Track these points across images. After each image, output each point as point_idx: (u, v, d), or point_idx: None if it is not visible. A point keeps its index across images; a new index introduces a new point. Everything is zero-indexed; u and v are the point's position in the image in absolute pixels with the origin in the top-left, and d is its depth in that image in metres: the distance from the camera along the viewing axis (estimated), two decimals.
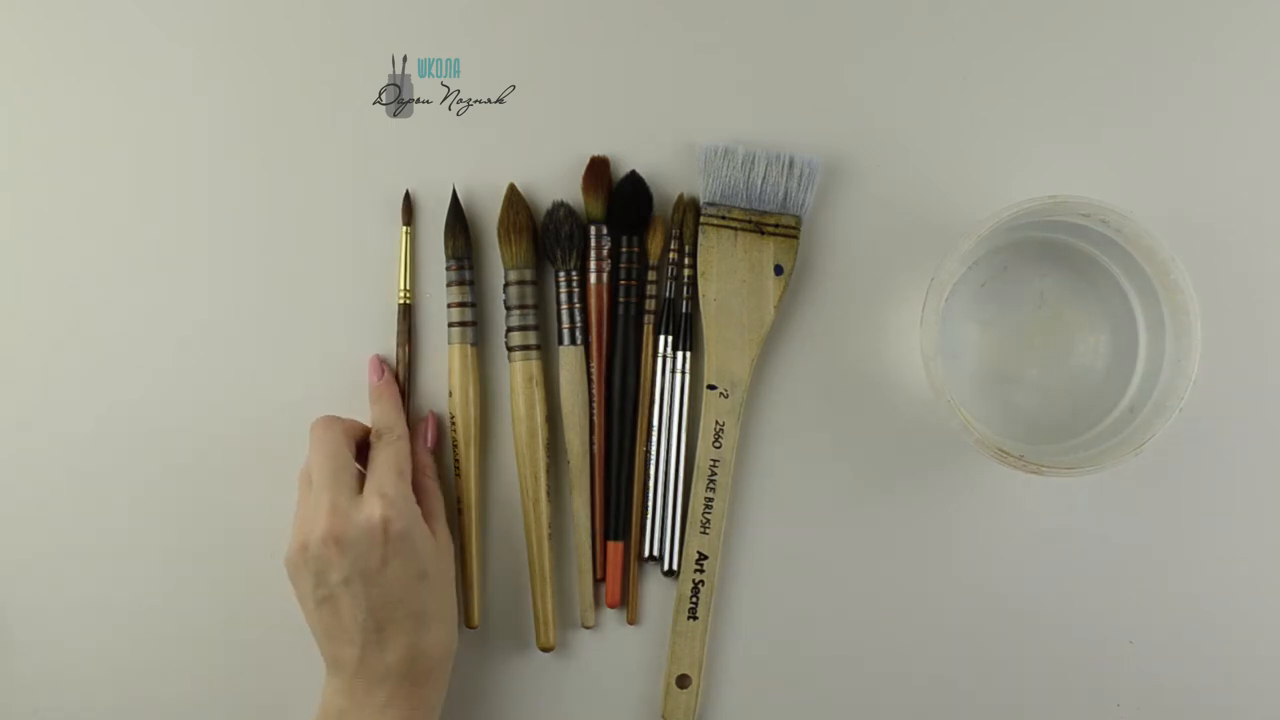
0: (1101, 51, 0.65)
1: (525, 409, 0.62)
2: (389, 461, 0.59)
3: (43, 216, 0.65)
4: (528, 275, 0.63)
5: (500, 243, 0.63)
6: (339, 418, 0.60)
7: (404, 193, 0.64)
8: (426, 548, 0.57)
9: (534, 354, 0.63)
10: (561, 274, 0.63)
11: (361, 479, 0.59)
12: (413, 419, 0.64)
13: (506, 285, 0.63)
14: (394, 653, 0.55)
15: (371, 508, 0.56)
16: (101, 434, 0.64)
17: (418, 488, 0.60)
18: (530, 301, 0.63)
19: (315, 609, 0.56)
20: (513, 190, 0.63)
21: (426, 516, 0.59)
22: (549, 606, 0.62)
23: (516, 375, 0.62)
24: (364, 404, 0.64)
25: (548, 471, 0.63)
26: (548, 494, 0.62)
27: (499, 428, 0.64)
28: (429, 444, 0.62)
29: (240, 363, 0.64)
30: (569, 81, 0.65)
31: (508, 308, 0.63)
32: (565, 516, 0.64)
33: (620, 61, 0.65)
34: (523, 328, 0.63)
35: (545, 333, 0.64)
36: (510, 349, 0.63)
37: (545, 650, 0.63)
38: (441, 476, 0.63)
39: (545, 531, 0.62)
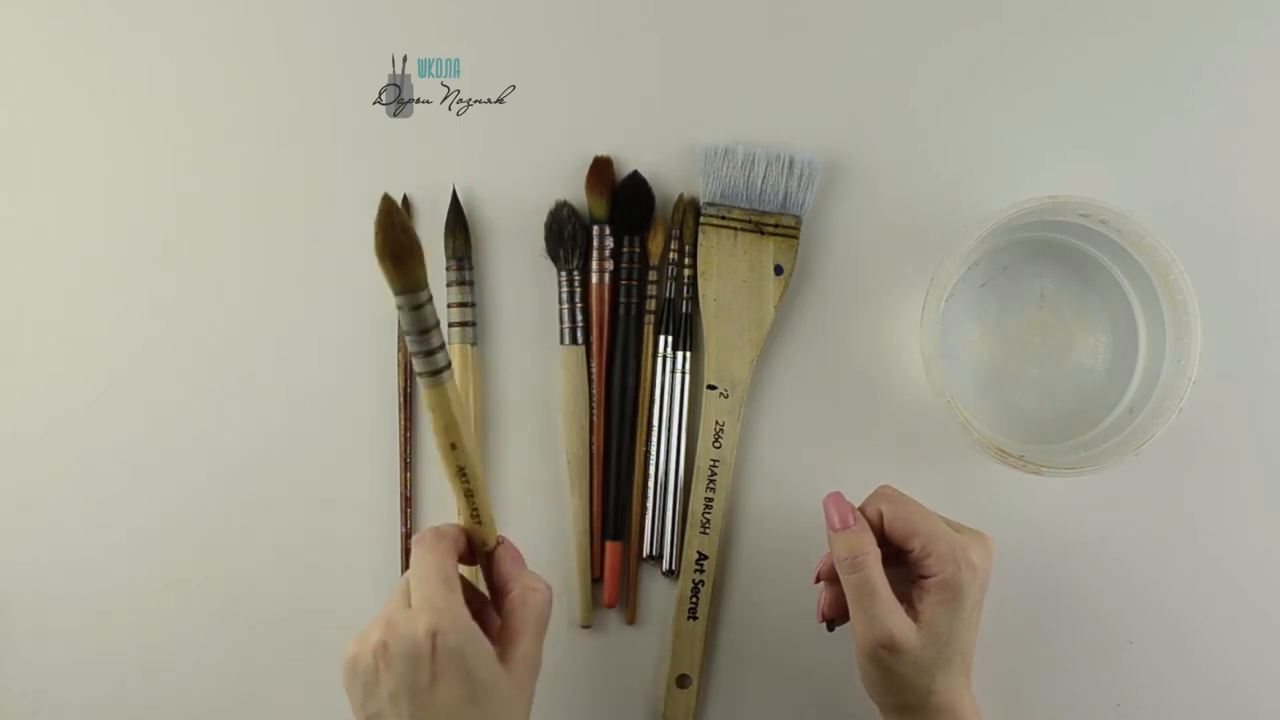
0: (1102, 52, 0.65)
1: (445, 437, 0.52)
2: (431, 568, 0.51)
3: (43, 217, 0.65)
4: (422, 297, 0.50)
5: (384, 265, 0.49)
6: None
7: (402, 197, 0.64)
8: (484, 670, 0.50)
9: (448, 374, 0.51)
10: (563, 274, 0.63)
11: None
12: (413, 420, 0.64)
13: (400, 309, 0.50)
14: None
15: (417, 621, 0.49)
16: (101, 434, 0.64)
17: (509, 604, 0.53)
18: (431, 323, 0.50)
19: None
20: (389, 204, 0.48)
21: (508, 632, 0.52)
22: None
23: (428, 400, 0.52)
24: (364, 409, 0.64)
25: (468, 495, 0.54)
26: (475, 518, 0.54)
27: (499, 427, 0.64)
28: (520, 561, 0.55)
29: (239, 363, 0.64)
30: (569, 81, 0.65)
31: (405, 332, 0.51)
32: (564, 516, 0.64)
33: (620, 61, 0.65)
34: (428, 352, 0.50)
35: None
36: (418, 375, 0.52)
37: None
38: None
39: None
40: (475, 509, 0.54)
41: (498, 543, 0.55)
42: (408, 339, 0.50)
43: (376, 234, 0.48)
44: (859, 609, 0.55)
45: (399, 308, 0.49)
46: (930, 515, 0.56)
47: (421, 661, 0.49)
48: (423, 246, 0.49)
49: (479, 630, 0.50)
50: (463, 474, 0.52)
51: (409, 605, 0.51)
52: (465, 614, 0.50)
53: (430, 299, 0.50)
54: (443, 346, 0.51)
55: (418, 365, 0.51)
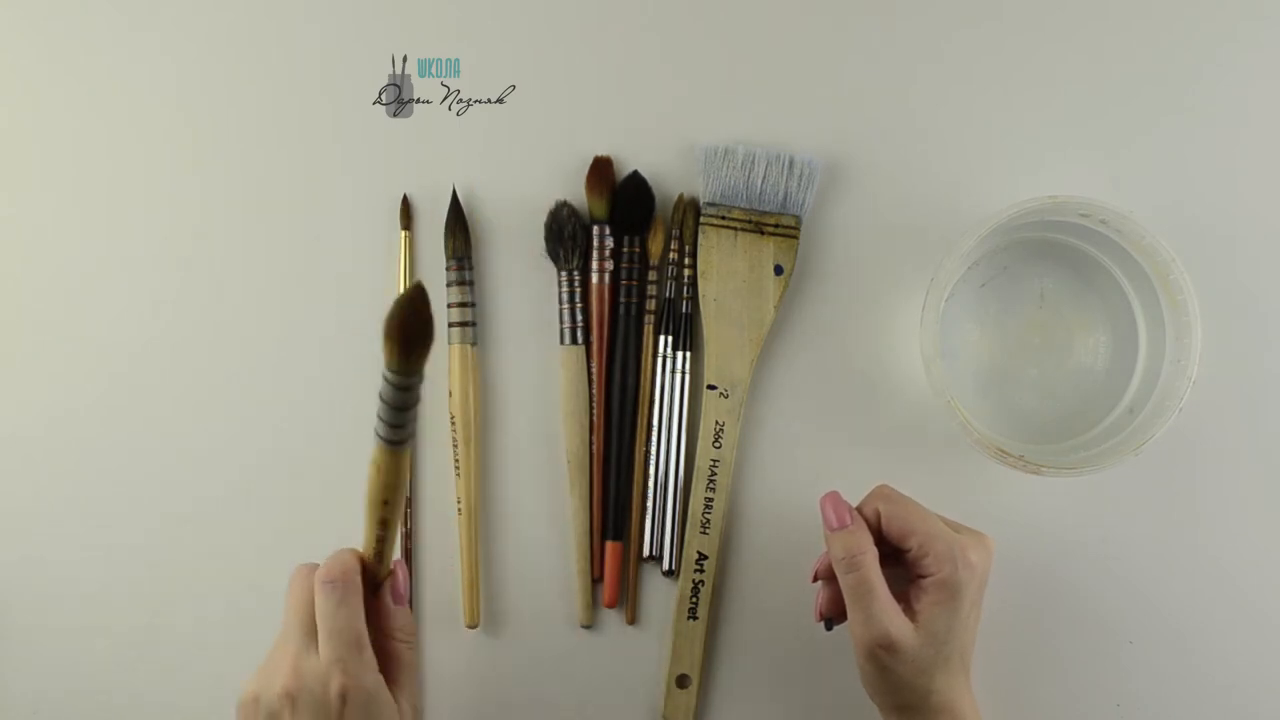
0: (1102, 52, 0.65)
1: (380, 494, 0.53)
2: (343, 626, 0.52)
3: (43, 217, 0.65)
4: (414, 381, 0.50)
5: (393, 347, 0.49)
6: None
7: (402, 197, 0.64)
8: None
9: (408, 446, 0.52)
10: (564, 273, 0.63)
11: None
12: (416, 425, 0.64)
13: (386, 382, 0.50)
14: None
15: (330, 678, 0.51)
16: (101, 434, 0.64)
17: (386, 652, 0.54)
18: (413, 403, 0.50)
19: None
20: (420, 292, 0.48)
21: (391, 684, 0.54)
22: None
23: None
24: (364, 409, 0.64)
25: (377, 542, 0.54)
26: (375, 557, 0.54)
27: (499, 428, 0.64)
28: (402, 600, 0.56)
29: (239, 363, 0.64)
30: (569, 81, 0.65)
31: (383, 402, 0.50)
32: (564, 516, 0.64)
33: (620, 61, 0.65)
34: (398, 425, 0.51)
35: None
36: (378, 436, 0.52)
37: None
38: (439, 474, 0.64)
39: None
40: (380, 553, 0.54)
41: (389, 573, 0.55)
42: (381, 408, 0.50)
43: (396, 314, 0.48)
44: (856, 608, 0.55)
45: (386, 380, 0.49)
46: (928, 514, 0.56)
47: (329, 718, 0.51)
48: (433, 341, 0.49)
49: (386, 691, 0.52)
50: (384, 524, 0.53)
51: (315, 651, 0.52)
52: (376, 676, 0.52)
53: (420, 383, 0.49)
54: (414, 422, 0.51)
55: (383, 431, 0.50)
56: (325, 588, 0.53)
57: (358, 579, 0.53)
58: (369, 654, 0.52)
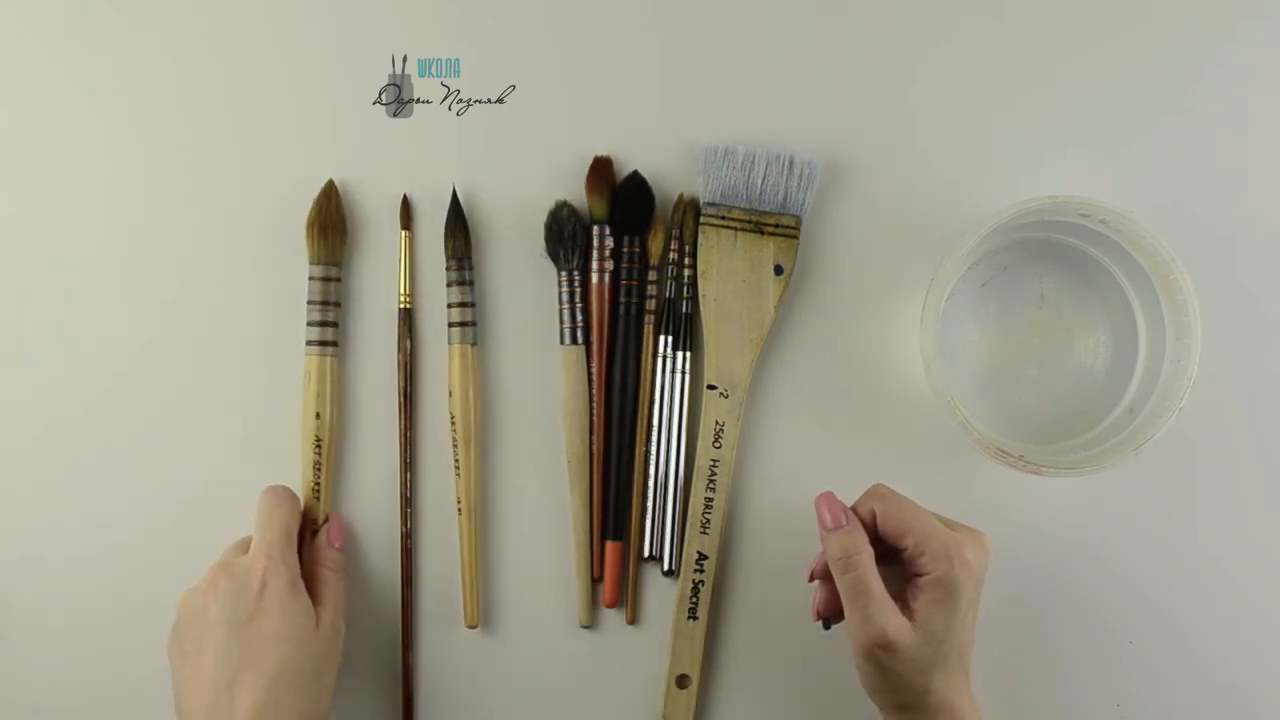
0: (1102, 52, 0.65)
1: (313, 405, 0.62)
2: (278, 523, 0.59)
3: (43, 217, 0.65)
4: (333, 272, 0.63)
5: (309, 238, 0.63)
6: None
7: (402, 197, 0.64)
8: (302, 618, 0.56)
9: (330, 350, 0.63)
10: (564, 273, 0.63)
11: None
12: (413, 420, 0.64)
13: (311, 279, 0.63)
14: (242, 707, 0.54)
15: (254, 565, 0.57)
16: (101, 434, 0.64)
17: (314, 577, 0.60)
18: (333, 298, 0.63)
19: (181, 663, 0.56)
20: (331, 187, 0.63)
21: (316, 602, 0.58)
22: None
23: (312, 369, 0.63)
24: (364, 409, 0.64)
25: (316, 468, 0.62)
26: (315, 492, 0.62)
27: (499, 428, 0.64)
28: (336, 543, 0.62)
29: (239, 363, 0.64)
30: (569, 81, 0.65)
31: (310, 302, 0.63)
32: (564, 516, 0.64)
33: (620, 61, 0.65)
34: (322, 323, 0.63)
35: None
36: (309, 343, 0.63)
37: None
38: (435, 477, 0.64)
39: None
40: (319, 483, 0.62)
41: (325, 519, 0.62)
42: (309, 308, 0.62)
43: (313, 209, 0.62)
44: (853, 609, 0.55)
45: (312, 277, 0.62)
46: (923, 513, 0.56)
47: (248, 595, 0.55)
48: (347, 232, 0.63)
49: (305, 593, 0.58)
50: (318, 446, 0.61)
51: (237, 552, 0.59)
52: (297, 570, 0.58)
53: (340, 279, 0.62)
54: (336, 325, 0.63)
55: (311, 334, 0.62)
56: (265, 493, 0.60)
57: (296, 493, 0.61)
58: (294, 555, 0.59)
